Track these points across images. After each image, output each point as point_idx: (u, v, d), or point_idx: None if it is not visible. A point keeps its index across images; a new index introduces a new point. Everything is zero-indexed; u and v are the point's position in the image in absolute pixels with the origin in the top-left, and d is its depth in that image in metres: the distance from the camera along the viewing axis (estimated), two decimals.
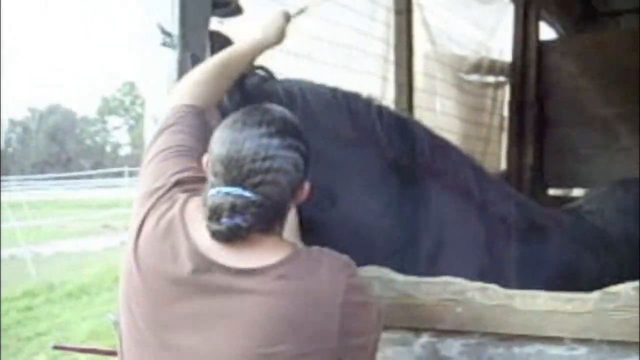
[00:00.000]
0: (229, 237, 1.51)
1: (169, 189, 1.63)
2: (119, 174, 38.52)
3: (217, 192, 1.51)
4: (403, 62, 4.98)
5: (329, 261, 1.57)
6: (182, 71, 2.70)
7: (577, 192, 6.92)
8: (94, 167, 55.91)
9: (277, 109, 1.67)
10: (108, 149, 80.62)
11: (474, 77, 6.54)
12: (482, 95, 6.67)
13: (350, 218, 2.31)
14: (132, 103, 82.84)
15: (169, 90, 2.75)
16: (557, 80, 6.67)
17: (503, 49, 6.85)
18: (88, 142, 78.28)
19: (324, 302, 1.50)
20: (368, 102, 2.54)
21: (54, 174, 45.48)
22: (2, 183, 24.51)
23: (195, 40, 2.78)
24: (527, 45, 6.74)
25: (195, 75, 2.02)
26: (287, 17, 2.24)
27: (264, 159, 1.51)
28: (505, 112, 6.85)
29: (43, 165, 62.65)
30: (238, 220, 1.49)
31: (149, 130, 2.84)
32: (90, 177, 40.74)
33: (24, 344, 9.04)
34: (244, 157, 1.51)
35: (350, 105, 2.46)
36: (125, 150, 79.98)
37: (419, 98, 5.19)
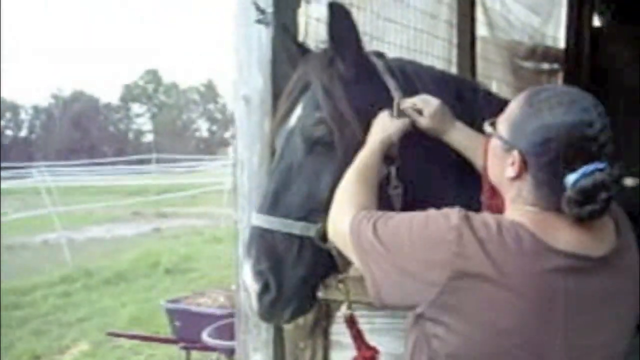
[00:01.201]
0: (602, 213, 1.54)
1: (469, 222, 1.57)
2: (142, 161, 38.65)
3: (582, 175, 1.52)
4: (466, 46, 4.87)
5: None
6: (275, 48, 2.65)
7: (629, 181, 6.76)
8: (117, 154, 56.26)
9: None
10: (131, 135, 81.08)
11: (529, 64, 6.40)
12: (537, 82, 6.49)
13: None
14: (155, 91, 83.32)
15: (261, 69, 2.70)
16: (612, 68, 6.50)
17: (556, 36, 6.69)
18: (111, 129, 78.73)
19: None
20: (474, 88, 2.48)
21: (77, 160, 45.70)
22: (32, 169, 24.62)
23: (288, 18, 2.70)
24: (581, 32, 6.56)
25: (346, 189, 1.92)
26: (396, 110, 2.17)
27: (608, 128, 1.56)
28: None
29: (67, 152, 63.02)
30: (612, 192, 1.52)
31: (240, 110, 2.77)
32: (114, 163, 40.89)
33: (66, 330, 9.04)
34: (596, 131, 1.54)
35: (459, 90, 2.39)
36: (147, 138, 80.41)
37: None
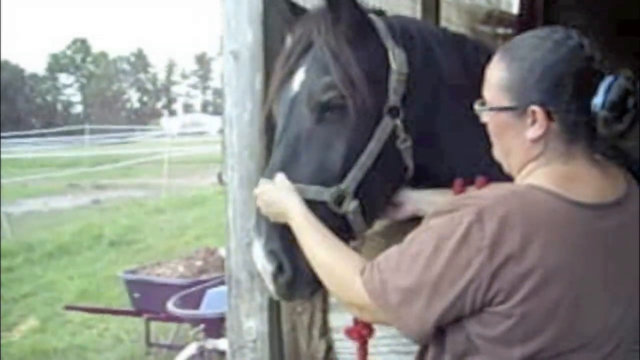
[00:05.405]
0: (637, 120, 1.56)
1: (480, 214, 1.48)
2: (73, 132, 37.79)
3: (605, 91, 1.52)
4: (431, 6, 4.87)
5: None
6: (266, 6, 2.52)
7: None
8: (45, 126, 54.88)
9: None
10: (59, 107, 78.96)
11: (486, 28, 6.42)
12: (493, 47, 6.54)
13: (460, 167, 2.15)
14: (83, 60, 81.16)
15: (251, 23, 2.58)
16: None
17: (510, 1, 6.73)
18: (38, 100, 76.43)
19: None
20: (475, 46, 2.35)
21: (4, 132, 44.36)
22: None
23: None
24: None
25: (327, 263, 1.78)
26: None
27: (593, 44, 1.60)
28: None
29: None
30: (636, 96, 1.55)
31: (228, 66, 2.64)
32: (43, 135, 39.90)
33: (11, 306, 8.66)
34: (589, 49, 1.57)
35: (461, 48, 2.25)
36: (76, 109, 78.49)
37: None
